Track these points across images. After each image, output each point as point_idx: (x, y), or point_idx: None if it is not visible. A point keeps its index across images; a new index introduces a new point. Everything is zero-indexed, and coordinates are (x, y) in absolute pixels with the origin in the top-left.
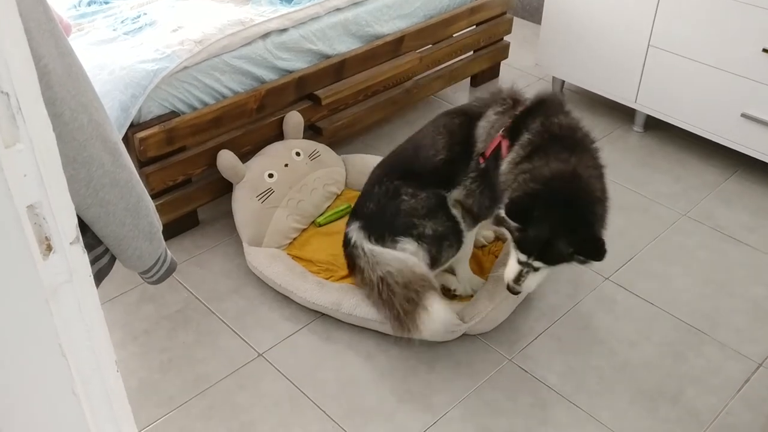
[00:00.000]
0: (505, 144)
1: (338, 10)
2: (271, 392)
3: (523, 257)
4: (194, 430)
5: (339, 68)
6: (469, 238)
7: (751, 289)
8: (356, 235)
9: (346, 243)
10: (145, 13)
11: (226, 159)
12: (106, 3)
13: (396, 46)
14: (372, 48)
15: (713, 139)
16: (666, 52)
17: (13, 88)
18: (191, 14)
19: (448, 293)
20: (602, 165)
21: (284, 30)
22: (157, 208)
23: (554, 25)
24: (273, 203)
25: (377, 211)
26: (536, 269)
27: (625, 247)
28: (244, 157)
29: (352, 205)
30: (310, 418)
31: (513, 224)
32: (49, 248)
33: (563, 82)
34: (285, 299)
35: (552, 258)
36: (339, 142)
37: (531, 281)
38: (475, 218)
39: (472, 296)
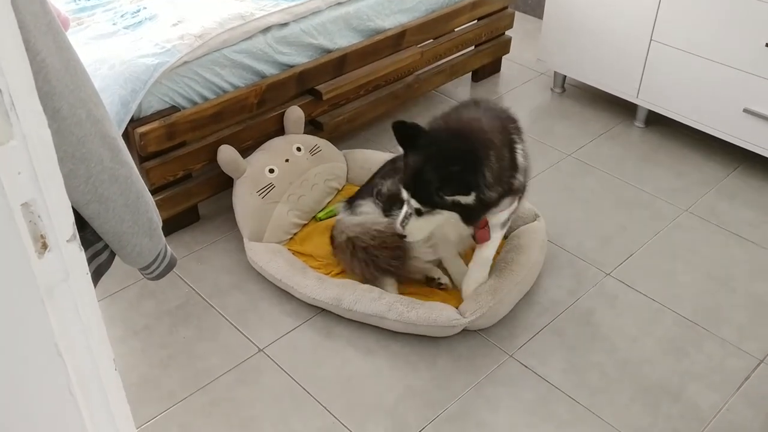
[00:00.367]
0: None
1: (339, 4)
2: (271, 388)
3: (405, 194)
4: (195, 425)
5: (340, 63)
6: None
7: (753, 285)
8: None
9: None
10: (144, 7)
11: (227, 154)
12: None
13: (397, 40)
14: (373, 42)
15: (715, 135)
16: (668, 47)
17: (6, 83)
18: (191, 8)
19: (432, 282)
20: (516, 141)
21: (285, 24)
22: (157, 204)
23: (556, 19)
24: (274, 198)
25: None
26: (418, 212)
27: (626, 243)
28: (245, 152)
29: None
30: (311, 413)
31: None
32: (45, 246)
33: (565, 76)
34: (285, 294)
35: (423, 193)
36: (340, 137)
37: (413, 226)
38: None
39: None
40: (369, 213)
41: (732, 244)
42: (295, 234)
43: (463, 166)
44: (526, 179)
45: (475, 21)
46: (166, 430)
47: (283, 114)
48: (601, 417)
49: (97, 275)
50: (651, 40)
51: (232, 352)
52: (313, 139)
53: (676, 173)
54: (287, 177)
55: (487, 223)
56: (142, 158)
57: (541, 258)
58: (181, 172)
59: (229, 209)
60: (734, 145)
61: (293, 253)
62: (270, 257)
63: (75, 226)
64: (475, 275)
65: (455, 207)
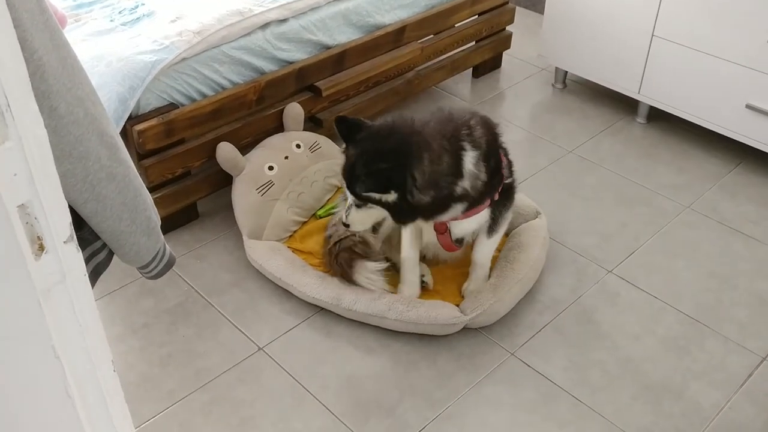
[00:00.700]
0: None
1: (338, 0)
2: (271, 386)
3: (344, 183)
4: (194, 424)
5: (339, 59)
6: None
7: (755, 282)
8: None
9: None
10: (142, 4)
11: (226, 151)
12: None
13: (397, 36)
14: (373, 38)
15: (717, 131)
16: (670, 43)
17: (0, 84)
18: (189, 5)
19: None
20: (466, 148)
21: (284, 20)
22: (156, 201)
23: (557, 14)
24: (273, 196)
25: None
26: (357, 204)
27: (628, 240)
28: (244, 149)
29: None
30: (311, 412)
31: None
32: (42, 248)
33: (566, 72)
34: (285, 293)
35: (352, 186)
36: None
37: (354, 217)
38: None
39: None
40: (339, 213)
41: (734, 241)
42: (294, 231)
43: (390, 165)
44: (480, 188)
45: (476, 16)
46: (166, 429)
47: (282, 111)
48: (602, 415)
49: (95, 274)
50: (653, 35)
51: (232, 351)
52: (312, 136)
53: (677, 169)
54: (287, 174)
55: (446, 230)
56: (140, 156)
57: (542, 255)
58: (180, 170)
59: (229, 207)
60: (736, 141)
61: (293, 251)
62: (269, 255)
63: (72, 227)
64: (472, 278)
65: (383, 204)
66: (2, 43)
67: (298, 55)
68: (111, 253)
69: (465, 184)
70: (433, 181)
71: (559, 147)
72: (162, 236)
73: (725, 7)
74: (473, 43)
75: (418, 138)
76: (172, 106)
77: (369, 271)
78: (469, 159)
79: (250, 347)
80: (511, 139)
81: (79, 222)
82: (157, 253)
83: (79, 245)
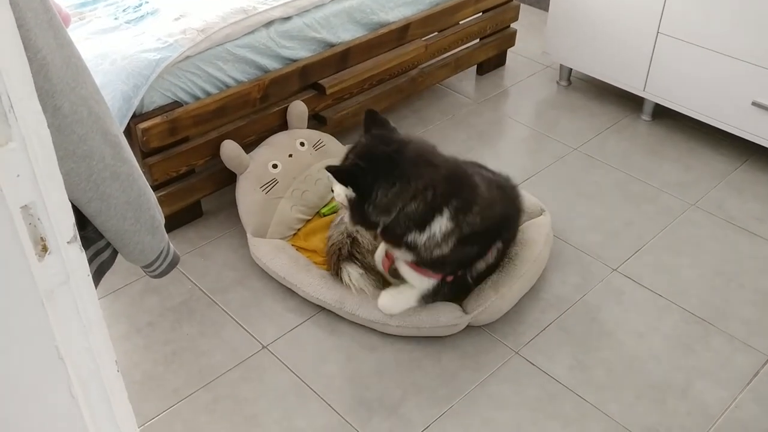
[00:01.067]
0: None
1: None
2: (275, 385)
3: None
4: (198, 422)
5: (343, 57)
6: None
7: (761, 280)
8: None
9: None
10: (146, 2)
11: (230, 149)
12: None
13: (401, 34)
14: (377, 36)
15: (723, 128)
16: (675, 40)
17: (4, 85)
18: (193, 2)
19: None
20: (442, 212)
21: (288, 18)
22: (159, 200)
23: (562, 11)
24: (277, 194)
25: None
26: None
27: (633, 237)
28: (248, 147)
29: None
30: (315, 410)
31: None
32: (45, 249)
33: (570, 69)
34: (289, 291)
35: (341, 160)
36: (344, 131)
37: (337, 188)
38: None
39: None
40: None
41: (740, 239)
42: (298, 229)
43: (367, 167)
44: (433, 255)
45: (480, 13)
46: (170, 427)
47: (286, 109)
48: (607, 414)
49: (99, 274)
50: (658, 32)
51: (236, 349)
52: (316, 134)
53: (683, 167)
54: (291, 172)
55: (392, 259)
56: (144, 154)
57: (545, 252)
58: (184, 168)
59: (233, 205)
60: (742, 138)
61: (297, 249)
62: (273, 254)
63: (75, 228)
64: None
65: (350, 199)
66: (5, 43)
67: (302, 53)
68: (115, 252)
69: (421, 238)
70: (387, 209)
71: (563, 144)
72: (166, 235)
73: (731, 4)
74: (477, 40)
75: (412, 170)
76: (176, 104)
77: (351, 271)
78: (440, 225)
79: (254, 345)
80: (515, 136)
81: (82, 221)
82: (161, 252)
83: (83, 244)
